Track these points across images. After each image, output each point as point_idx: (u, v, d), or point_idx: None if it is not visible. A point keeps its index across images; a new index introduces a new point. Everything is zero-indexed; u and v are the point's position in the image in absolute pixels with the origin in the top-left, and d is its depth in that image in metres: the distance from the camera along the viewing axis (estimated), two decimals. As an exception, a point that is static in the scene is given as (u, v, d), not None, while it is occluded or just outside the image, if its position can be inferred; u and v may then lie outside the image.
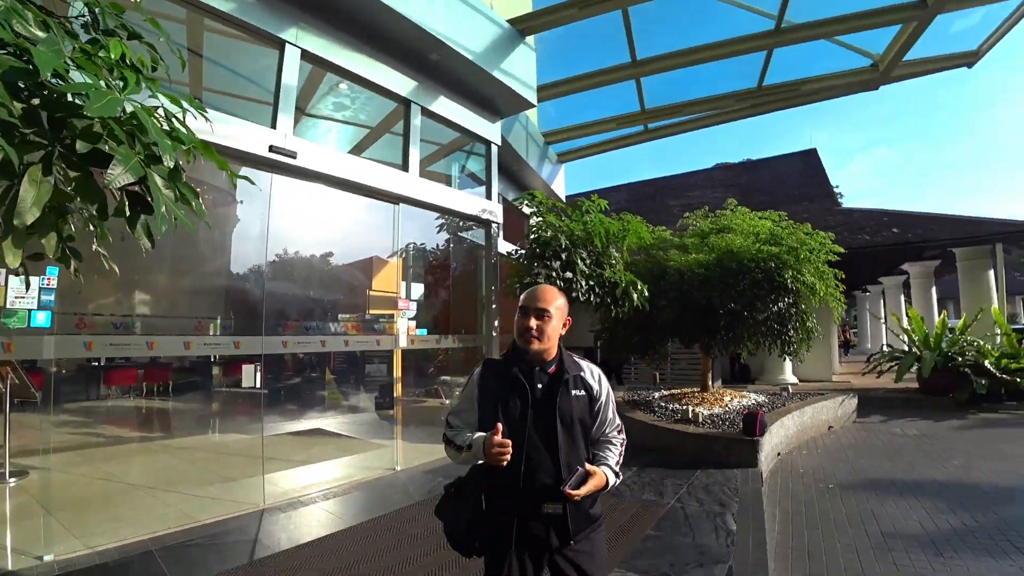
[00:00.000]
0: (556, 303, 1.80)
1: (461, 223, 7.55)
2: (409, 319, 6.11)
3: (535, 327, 1.74)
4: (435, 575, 3.26)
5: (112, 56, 1.66)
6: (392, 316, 6.30)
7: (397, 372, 6.22)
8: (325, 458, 6.00)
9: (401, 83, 6.13)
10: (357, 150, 6.91)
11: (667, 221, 18.01)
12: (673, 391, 8.95)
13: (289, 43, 4.86)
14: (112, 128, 1.48)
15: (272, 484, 4.71)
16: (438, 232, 7.71)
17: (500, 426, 1.63)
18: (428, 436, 6.64)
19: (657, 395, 8.69)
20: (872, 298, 24.39)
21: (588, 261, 6.73)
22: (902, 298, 19.54)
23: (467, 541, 1.75)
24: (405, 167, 6.18)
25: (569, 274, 6.48)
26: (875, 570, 3.57)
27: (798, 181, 18.49)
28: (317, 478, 5.12)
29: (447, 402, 7.80)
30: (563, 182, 12.89)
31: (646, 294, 6.84)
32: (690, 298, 7.40)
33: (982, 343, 10.15)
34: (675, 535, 3.84)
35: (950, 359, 9.99)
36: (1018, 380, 9.49)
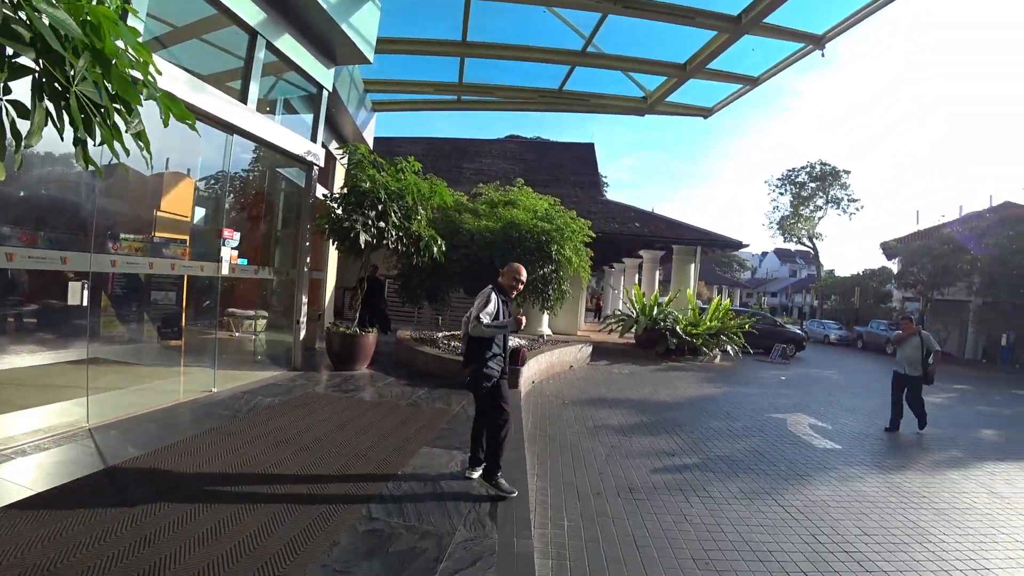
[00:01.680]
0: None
1: (284, 160, 7.82)
2: (232, 248, 6.42)
3: (520, 288, 4.03)
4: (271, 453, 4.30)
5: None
6: (184, 240, 6.37)
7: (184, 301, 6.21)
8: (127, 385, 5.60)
9: (252, 12, 6.21)
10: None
11: (459, 181, 19.81)
12: (453, 332, 10.68)
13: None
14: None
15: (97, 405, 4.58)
16: (253, 164, 7.90)
17: (523, 317, 3.94)
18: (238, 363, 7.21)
19: (440, 335, 10.29)
20: (616, 273, 29.84)
21: (399, 215, 7.84)
22: (636, 276, 24.61)
23: (498, 376, 3.91)
24: (244, 99, 6.30)
25: (382, 224, 7.52)
26: (586, 443, 5.66)
27: (574, 168, 21.67)
28: (140, 400, 5.14)
29: (236, 334, 8.03)
30: (373, 129, 13.56)
31: (443, 249, 8.23)
32: (477, 256, 9.03)
33: (678, 314, 14.07)
34: (461, 427, 5.38)
35: (656, 323, 13.68)
36: (695, 340, 13.51)
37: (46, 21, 1.60)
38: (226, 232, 6.36)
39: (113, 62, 1.88)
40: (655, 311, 14.15)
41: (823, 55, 9.58)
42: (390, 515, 3.16)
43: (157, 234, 6.21)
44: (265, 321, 8.45)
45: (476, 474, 3.94)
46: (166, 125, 2.12)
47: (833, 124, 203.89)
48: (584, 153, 22.85)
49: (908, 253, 26.20)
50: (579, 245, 9.77)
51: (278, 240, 8.49)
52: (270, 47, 6.67)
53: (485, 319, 3.73)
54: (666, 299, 15.00)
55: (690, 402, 8.44)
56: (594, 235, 10.33)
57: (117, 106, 1.93)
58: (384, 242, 7.61)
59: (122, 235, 5.50)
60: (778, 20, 8.48)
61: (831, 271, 48.67)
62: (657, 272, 20.81)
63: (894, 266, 30.07)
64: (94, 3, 1.81)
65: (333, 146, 10.90)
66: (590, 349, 11.97)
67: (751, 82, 11.12)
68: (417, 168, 8.37)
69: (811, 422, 7.60)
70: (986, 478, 5.67)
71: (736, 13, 8.39)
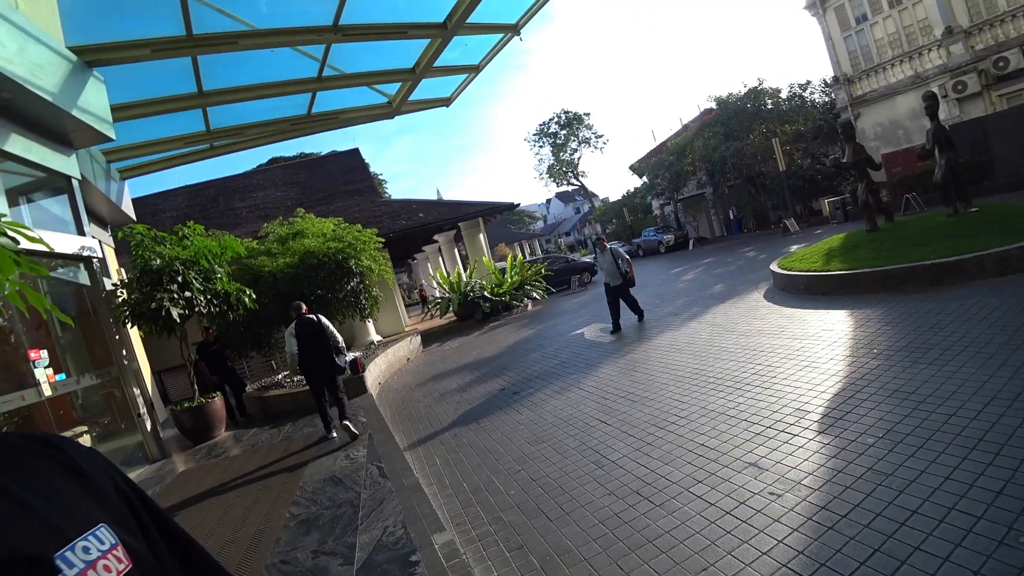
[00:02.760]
0: None
1: (59, 264, 7.49)
2: (45, 367, 6.18)
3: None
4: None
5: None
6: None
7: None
8: None
9: None
10: None
11: (238, 223, 19.21)
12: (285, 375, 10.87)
13: None
14: None
15: None
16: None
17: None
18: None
19: (280, 376, 10.52)
20: (422, 263, 31.07)
21: (200, 279, 8.02)
22: (440, 259, 26.11)
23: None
24: None
25: (188, 293, 7.71)
26: (437, 407, 6.81)
27: (347, 177, 22.02)
28: None
29: None
30: (128, 197, 12.74)
31: (253, 296, 8.52)
32: (285, 293, 9.46)
33: (482, 282, 15.78)
34: (334, 444, 6.19)
35: (467, 296, 15.24)
36: (504, 298, 15.37)
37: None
38: (32, 353, 6.13)
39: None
40: (462, 286, 15.70)
41: (521, 39, 11.53)
42: (314, 499, 4.01)
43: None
44: (90, 436, 7.99)
45: (334, 434, 5.96)
46: None
47: (567, 70, 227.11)
48: (351, 160, 23.30)
49: (649, 168, 31.63)
50: (373, 252, 10.66)
51: (69, 345, 8.02)
52: (3, 154, 6.39)
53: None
54: (467, 272, 16.65)
55: (511, 347, 10.08)
56: (383, 240, 11.29)
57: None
58: (196, 309, 7.75)
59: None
60: (479, 18, 10.07)
61: (606, 199, 55.71)
62: (455, 250, 22.45)
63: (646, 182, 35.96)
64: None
65: (95, 229, 10.20)
66: (419, 338, 13.10)
67: (474, 70, 12.81)
68: (200, 230, 8.51)
69: (601, 326, 9.70)
70: (707, 317, 8.10)
71: (442, 20, 9.79)
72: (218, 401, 8.15)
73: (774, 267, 9.34)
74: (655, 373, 5.93)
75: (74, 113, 7.18)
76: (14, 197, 7.31)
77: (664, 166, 29.36)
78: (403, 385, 9.24)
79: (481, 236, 18.06)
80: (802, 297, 7.89)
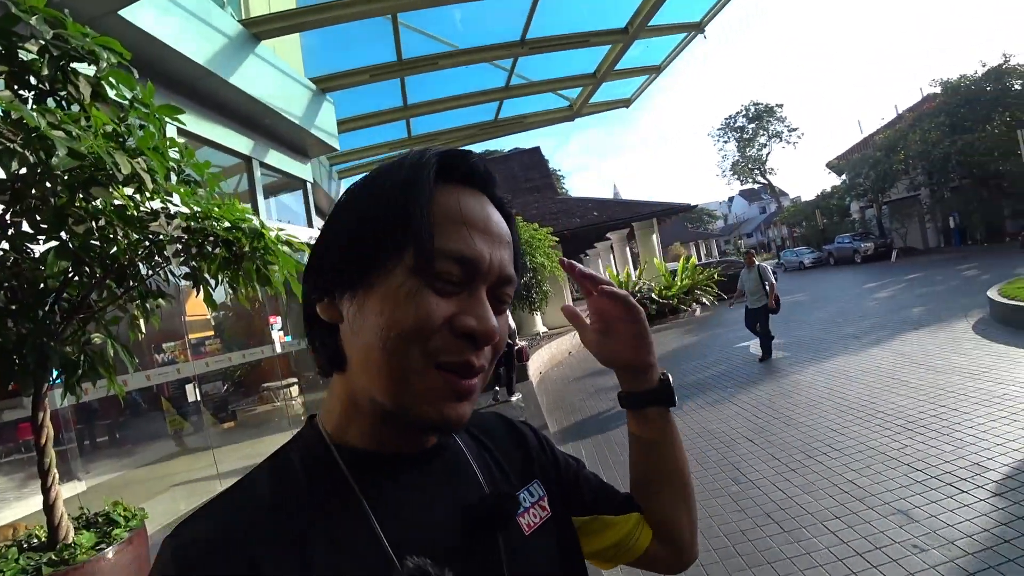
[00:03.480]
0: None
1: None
2: (278, 330, 7.94)
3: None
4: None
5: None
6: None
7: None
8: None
9: (244, 143, 7.80)
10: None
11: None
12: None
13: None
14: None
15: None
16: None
17: None
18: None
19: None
20: (594, 258, 31.51)
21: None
22: (612, 256, 26.28)
23: None
24: (256, 213, 7.94)
25: None
26: (591, 402, 7.22)
27: (527, 174, 23.29)
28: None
29: (277, 404, 9.54)
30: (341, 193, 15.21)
31: None
32: None
33: (651, 283, 15.71)
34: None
35: (634, 295, 15.30)
36: (672, 301, 15.16)
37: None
38: (272, 319, 7.88)
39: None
40: (630, 285, 15.78)
41: (705, 37, 11.25)
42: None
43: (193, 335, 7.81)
44: (298, 386, 9.96)
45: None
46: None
47: (757, 60, 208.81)
48: (532, 158, 24.47)
49: (851, 166, 28.07)
50: (547, 250, 11.36)
51: (293, 314, 9.99)
52: (263, 165, 8.24)
53: None
54: (637, 271, 16.65)
55: (672, 352, 10.04)
56: (556, 239, 11.92)
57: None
58: None
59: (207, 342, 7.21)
60: (661, 20, 10.10)
61: (797, 198, 50.87)
62: (627, 248, 22.47)
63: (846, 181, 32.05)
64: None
65: (318, 222, 12.45)
66: (583, 333, 13.58)
67: (656, 70, 12.77)
68: None
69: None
70: (894, 345, 7.30)
71: (623, 25, 10.01)
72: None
73: (993, 293, 8.00)
74: (817, 399, 5.62)
75: (312, 131, 8.92)
76: (266, 194, 9.33)
77: (868, 163, 25.73)
78: (562, 377, 9.78)
79: (654, 236, 17.90)
80: (1018, 333, 6.72)
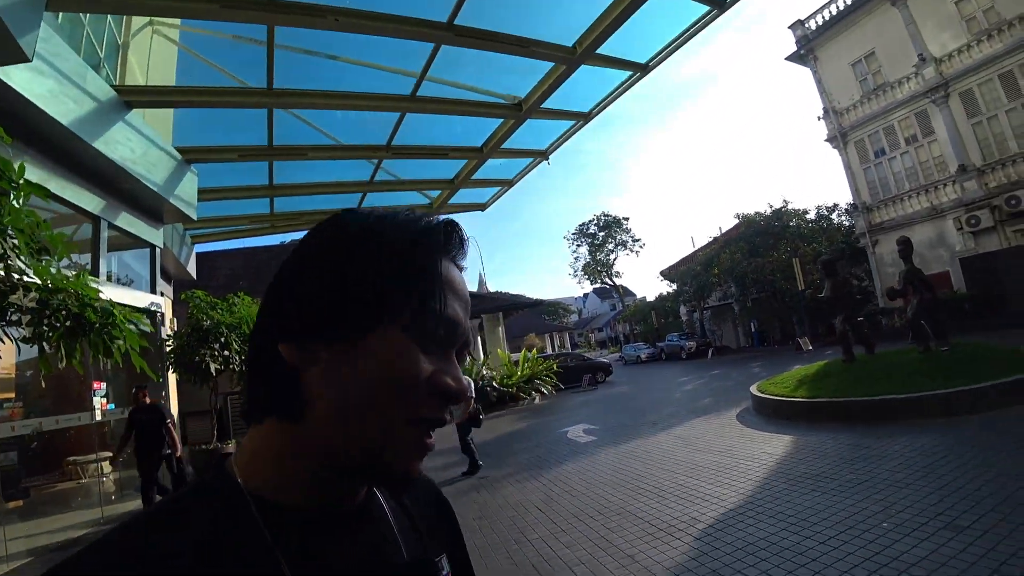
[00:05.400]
0: None
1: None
2: (101, 396, 7.53)
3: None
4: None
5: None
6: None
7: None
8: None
9: (95, 203, 7.57)
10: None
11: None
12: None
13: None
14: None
15: None
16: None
17: None
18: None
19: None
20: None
21: (239, 341, 9.43)
22: (468, 343, 27.36)
23: None
24: (97, 274, 7.54)
25: (227, 352, 9.12)
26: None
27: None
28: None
29: (83, 481, 8.78)
30: (193, 259, 14.72)
31: None
32: None
33: (493, 372, 16.78)
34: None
35: (476, 383, 16.19)
36: (512, 390, 16.25)
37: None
38: (95, 384, 7.49)
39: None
40: (473, 373, 16.72)
41: (548, 163, 13.06)
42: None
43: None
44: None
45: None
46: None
47: (621, 170, 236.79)
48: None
49: (678, 276, 32.73)
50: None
51: (119, 381, 9.37)
52: (111, 226, 8.04)
53: None
54: (481, 361, 17.75)
55: (501, 436, 10.93)
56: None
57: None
58: (231, 366, 9.12)
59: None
60: (512, 145, 11.65)
61: (643, 299, 56.74)
62: (479, 337, 23.66)
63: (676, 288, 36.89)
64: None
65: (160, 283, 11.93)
66: (425, 417, 14.04)
67: (508, 184, 14.49)
68: (248, 301, 10.03)
69: (585, 427, 10.49)
70: (678, 431, 8.78)
71: (479, 145, 11.42)
72: (230, 448, 9.27)
73: (753, 389, 10.00)
74: (603, 474, 6.74)
75: (171, 200, 8.91)
76: (109, 248, 8.87)
77: (691, 275, 30.38)
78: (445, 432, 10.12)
79: (500, 329, 19.30)
80: (769, 421, 8.50)
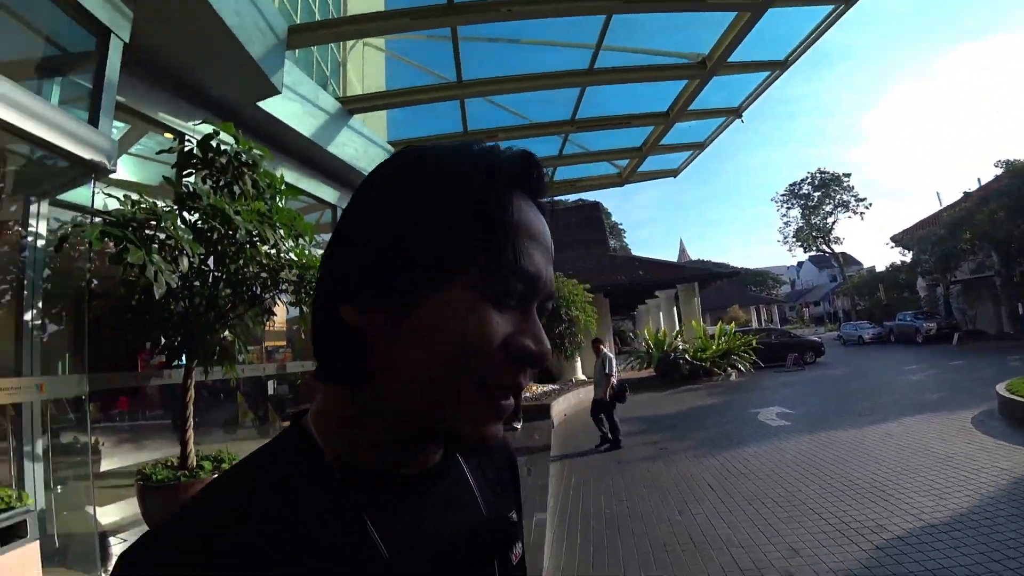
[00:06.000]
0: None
1: None
2: None
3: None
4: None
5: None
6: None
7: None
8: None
9: (331, 194, 9.41)
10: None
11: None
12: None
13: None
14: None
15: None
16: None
17: None
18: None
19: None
20: (644, 314, 32.00)
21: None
22: (660, 314, 26.86)
23: None
24: None
25: None
26: (592, 442, 8.09)
27: (583, 228, 24.42)
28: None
29: None
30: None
31: None
32: None
33: (685, 344, 16.33)
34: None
35: (668, 355, 15.96)
36: (705, 364, 15.68)
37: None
38: None
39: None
40: (665, 344, 16.45)
41: (743, 121, 12.06)
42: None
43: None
44: None
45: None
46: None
47: (840, 120, 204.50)
48: (591, 213, 25.67)
49: (916, 242, 27.19)
50: (582, 304, 12.41)
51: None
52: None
53: None
54: (674, 332, 17.33)
55: (688, 411, 10.72)
56: (591, 295, 12.96)
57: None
58: None
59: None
60: (700, 105, 11.05)
61: (870, 269, 49.20)
62: (675, 308, 23.08)
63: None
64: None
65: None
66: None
67: (700, 147, 13.74)
68: None
69: (780, 410, 9.76)
70: (887, 427, 7.76)
71: (665, 110, 10.99)
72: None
73: (1000, 388, 8.27)
74: (784, 462, 6.33)
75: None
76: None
77: (933, 240, 24.83)
78: (583, 421, 10.64)
79: (695, 300, 18.55)
80: (1017, 430, 6.87)
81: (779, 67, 9.22)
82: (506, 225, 0.45)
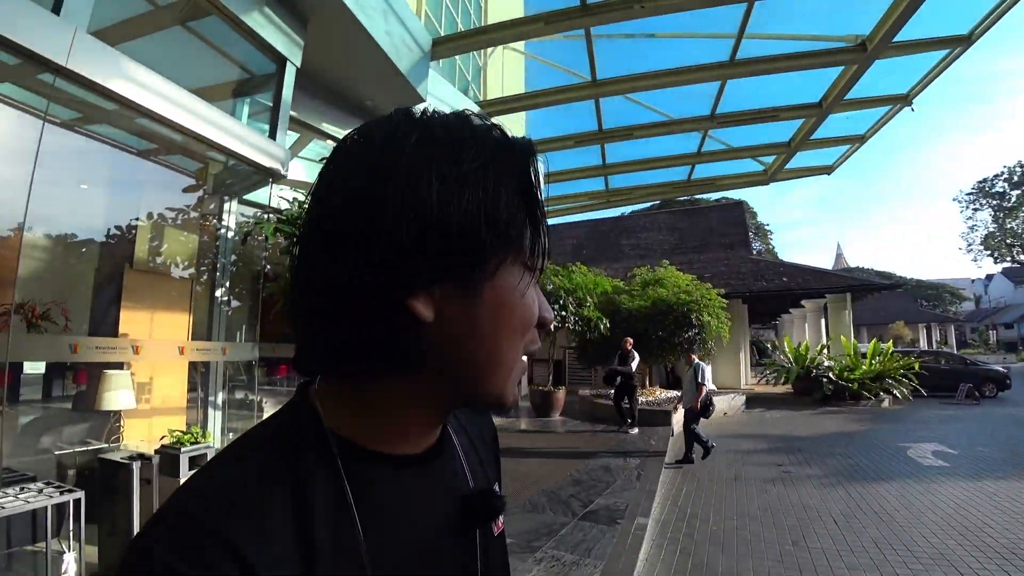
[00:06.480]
0: None
1: None
2: None
3: (627, 347, 6.75)
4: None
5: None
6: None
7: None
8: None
9: None
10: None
11: (619, 258, 22.62)
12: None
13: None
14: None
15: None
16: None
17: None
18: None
19: (612, 390, 12.85)
20: (788, 323, 29.45)
21: (574, 305, 10.96)
22: (805, 325, 24.59)
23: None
24: None
25: (564, 313, 10.74)
26: (719, 460, 7.76)
27: (723, 229, 23.01)
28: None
29: None
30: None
31: (608, 325, 11.12)
32: (635, 328, 11.69)
33: (830, 360, 14.86)
34: (627, 446, 7.95)
35: (808, 371, 14.65)
36: (853, 386, 14.14)
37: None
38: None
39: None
40: (806, 359, 15.08)
41: (913, 109, 10.45)
42: (587, 474, 5.94)
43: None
44: None
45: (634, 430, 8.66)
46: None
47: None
48: (732, 214, 24.19)
49: None
50: (716, 310, 11.87)
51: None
52: None
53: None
54: (818, 346, 15.81)
55: (824, 436, 9.78)
56: (725, 302, 12.33)
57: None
58: (565, 325, 10.79)
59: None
60: (860, 94, 9.87)
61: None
62: (822, 320, 21.04)
63: None
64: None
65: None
66: (743, 399, 13.54)
67: (860, 140, 12.37)
68: (584, 270, 11.58)
69: (937, 448, 8.54)
70: None
71: (817, 100, 10.07)
72: (560, 393, 11.05)
73: None
74: (931, 508, 5.58)
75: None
76: None
77: None
78: (705, 433, 10.24)
79: (847, 312, 16.77)
80: None
81: (961, 43, 8.04)
82: (543, 205, 0.49)
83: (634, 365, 9.69)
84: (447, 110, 0.51)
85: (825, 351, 15.63)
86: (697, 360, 7.97)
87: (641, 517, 4.65)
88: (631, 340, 10.06)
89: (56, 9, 2.56)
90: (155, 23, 3.77)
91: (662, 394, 12.23)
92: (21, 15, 2.34)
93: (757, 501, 5.76)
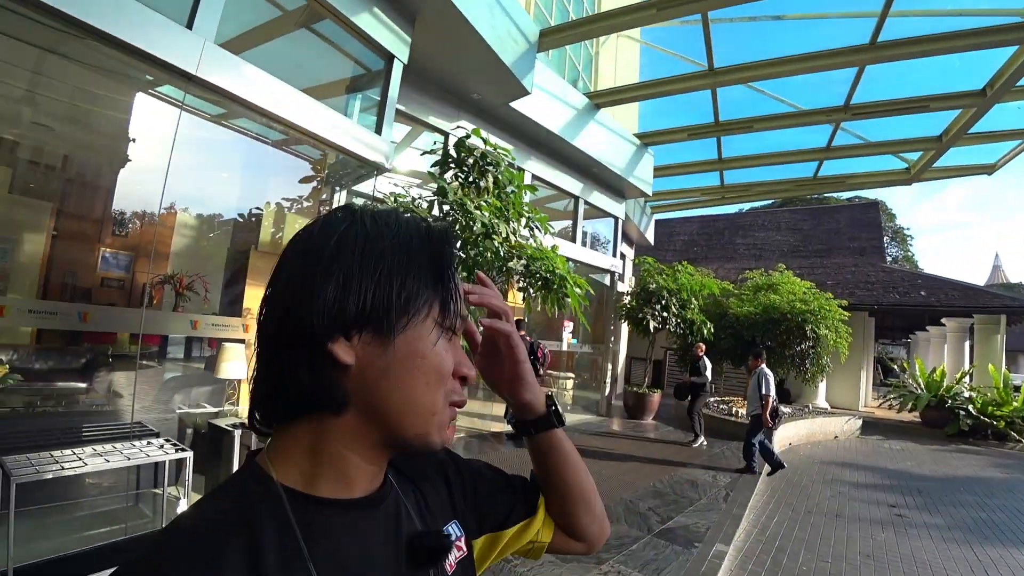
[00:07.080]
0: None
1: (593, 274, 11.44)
2: (568, 332, 10.13)
3: (699, 354, 9.00)
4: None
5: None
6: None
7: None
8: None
9: (574, 186, 9.95)
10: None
11: (732, 258, 21.30)
12: (724, 398, 12.60)
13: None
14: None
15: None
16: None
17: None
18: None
19: (712, 400, 12.21)
20: (924, 342, 26.22)
21: (677, 306, 10.51)
22: (944, 346, 21.71)
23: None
24: (574, 239, 10.03)
25: (665, 314, 10.34)
26: (817, 488, 7.16)
27: (853, 232, 20.71)
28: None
29: (552, 390, 11.77)
30: (652, 226, 16.63)
31: (712, 330, 10.53)
32: (741, 335, 11.02)
33: (972, 392, 13.03)
34: (716, 460, 7.57)
35: (943, 400, 12.97)
36: (999, 424, 12.33)
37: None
38: (566, 322, 10.09)
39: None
40: (940, 387, 13.37)
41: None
42: (671, 487, 5.73)
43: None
44: (572, 382, 12.13)
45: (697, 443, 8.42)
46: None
47: None
48: (865, 215, 21.84)
49: None
50: (836, 323, 10.86)
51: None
52: (586, 203, 10.35)
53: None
54: (958, 374, 13.92)
55: (953, 479, 8.59)
56: (847, 315, 11.22)
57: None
58: (666, 326, 10.42)
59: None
60: None
61: None
62: (967, 343, 18.54)
63: None
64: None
65: (623, 246, 14.27)
66: (859, 422, 12.30)
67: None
68: (690, 270, 11.01)
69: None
70: None
71: (980, 87, 8.71)
72: (656, 396, 10.75)
73: None
74: None
75: (630, 179, 10.60)
76: (583, 220, 11.35)
77: None
78: (809, 455, 9.46)
79: (999, 337, 14.61)
80: None
81: None
82: (454, 277, 0.59)
83: (708, 374, 9.21)
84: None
85: (966, 379, 13.71)
86: (763, 366, 7.51)
87: (721, 544, 4.38)
88: (703, 346, 9.62)
89: (189, 24, 2.87)
90: (273, 31, 4.11)
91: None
92: (159, 30, 2.66)
93: (860, 545, 5.20)
